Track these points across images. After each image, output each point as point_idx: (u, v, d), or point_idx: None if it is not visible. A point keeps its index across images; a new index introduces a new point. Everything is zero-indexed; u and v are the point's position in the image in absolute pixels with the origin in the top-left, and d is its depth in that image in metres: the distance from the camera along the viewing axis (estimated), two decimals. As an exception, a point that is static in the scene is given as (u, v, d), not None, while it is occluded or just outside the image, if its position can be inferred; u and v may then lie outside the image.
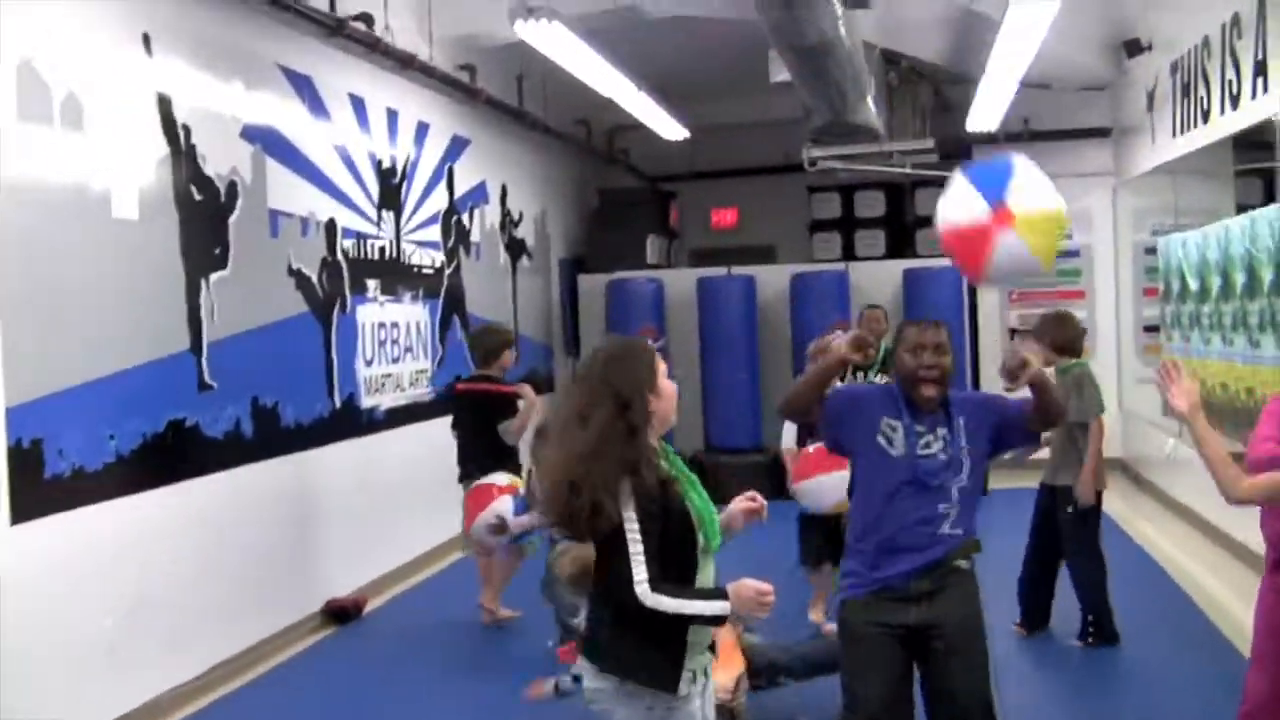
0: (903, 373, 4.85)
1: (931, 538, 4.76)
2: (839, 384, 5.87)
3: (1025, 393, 4.92)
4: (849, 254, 17.03)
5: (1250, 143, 11.24)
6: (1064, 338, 8.16)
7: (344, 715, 7.31)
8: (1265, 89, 8.82)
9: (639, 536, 3.83)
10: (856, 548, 4.93)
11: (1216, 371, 10.28)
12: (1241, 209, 13.28)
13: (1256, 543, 6.40)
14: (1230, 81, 9.62)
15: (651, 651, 3.91)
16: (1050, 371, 7.36)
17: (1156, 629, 8.22)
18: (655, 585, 3.80)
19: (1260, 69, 8.85)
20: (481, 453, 8.61)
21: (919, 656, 4.87)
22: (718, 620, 3.94)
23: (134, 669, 6.98)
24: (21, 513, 6.16)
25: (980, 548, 4.89)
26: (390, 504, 10.20)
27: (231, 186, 8.06)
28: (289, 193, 8.81)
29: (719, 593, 3.93)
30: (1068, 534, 7.92)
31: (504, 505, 8.16)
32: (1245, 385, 9.46)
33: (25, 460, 6.18)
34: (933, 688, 4.88)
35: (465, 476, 8.66)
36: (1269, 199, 14.48)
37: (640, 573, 3.80)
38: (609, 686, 3.94)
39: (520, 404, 8.70)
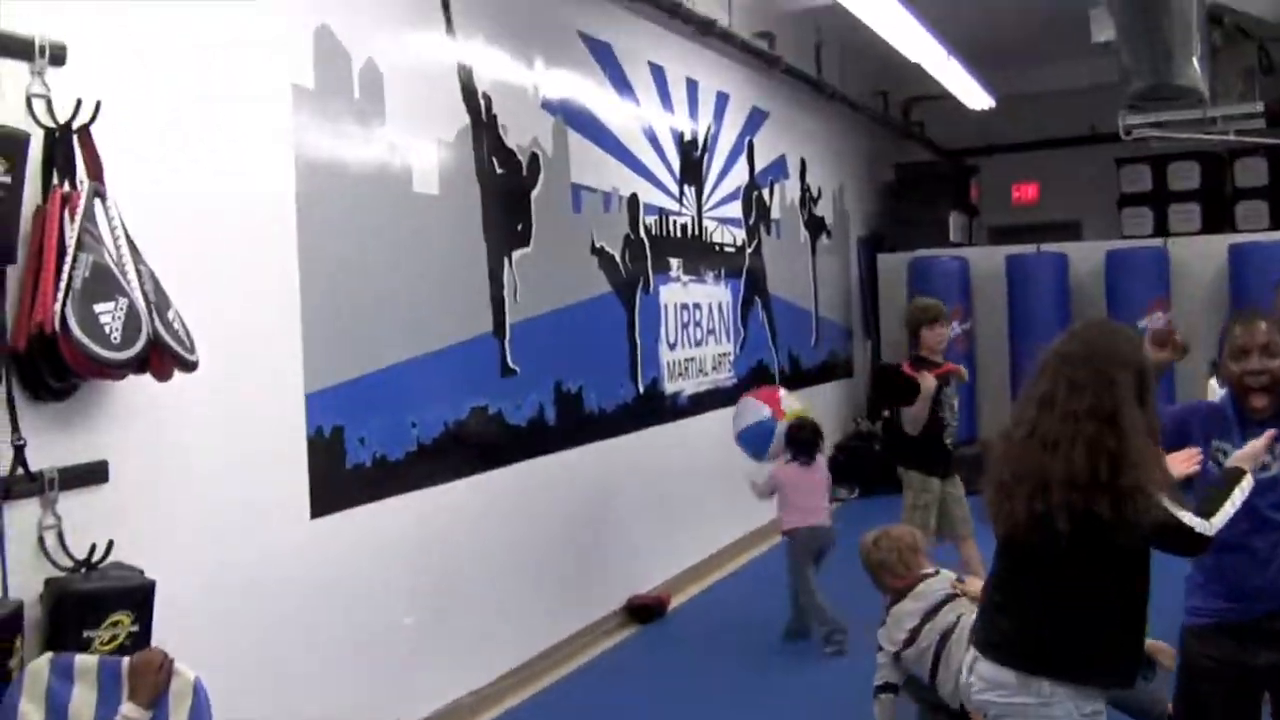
0: (1230, 380, 4.14)
1: None
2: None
3: None
4: (1161, 229, 16.01)
5: None
6: None
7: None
8: None
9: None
10: (1198, 576, 4.24)
11: None
12: None
13: None
14: None
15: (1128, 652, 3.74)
16: None
17: None
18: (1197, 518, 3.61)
19: None
20: (892, 439, 8.16)
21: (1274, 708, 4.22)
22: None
23: (434, 669, 6.60)
24: (322, 505, 5.80)
25: None
26: (695, 495, 9.75)
27: (533, 159, 7.64)
28: (591, 166, 8.36)
29: (1232, 473, 3.76)
30: None
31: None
32: None
33: (326, 449, 5.83)
34: None
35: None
36: None
37: (1188, 518, 3.58)
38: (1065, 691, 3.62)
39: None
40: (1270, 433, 3.87)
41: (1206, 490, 3.74)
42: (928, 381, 7.90)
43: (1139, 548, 3.60)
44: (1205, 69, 11.68)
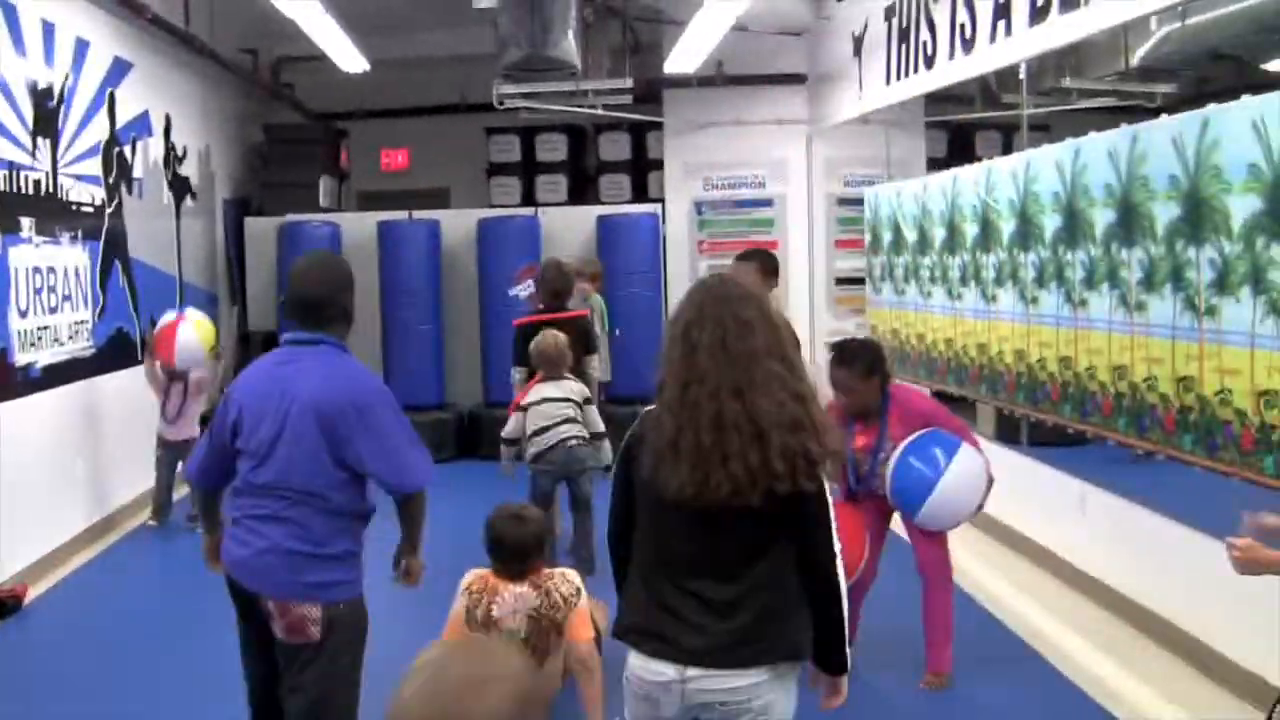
0: None
1: None
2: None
3: None
4: (529, 199, 16.32)
5: (938, 96, 11.01)
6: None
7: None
8: (1008, 32, 8.39)
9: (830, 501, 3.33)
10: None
11: (940, 326, 9.97)
12: (932, 162, 13.17)
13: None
14: (963, 25, 9.18)
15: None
16: None
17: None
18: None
19: (1002, 11, 8.42)
20: None
21: None
22: None
23: None
24: None
25: None
26: (53, 474, 8.99)
27: None
28: (-71, 113, 7.44)
29: None
30: None
31: None
32: (977, 341, 9.14)
33: None
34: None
35: None
36: (952, 152, 14.51)
37: (839, 547, 3.34)
38: (767, 678, 3.30)
39: None
40: None
41: None
42: None
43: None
44: (579, 43, 11.91)
